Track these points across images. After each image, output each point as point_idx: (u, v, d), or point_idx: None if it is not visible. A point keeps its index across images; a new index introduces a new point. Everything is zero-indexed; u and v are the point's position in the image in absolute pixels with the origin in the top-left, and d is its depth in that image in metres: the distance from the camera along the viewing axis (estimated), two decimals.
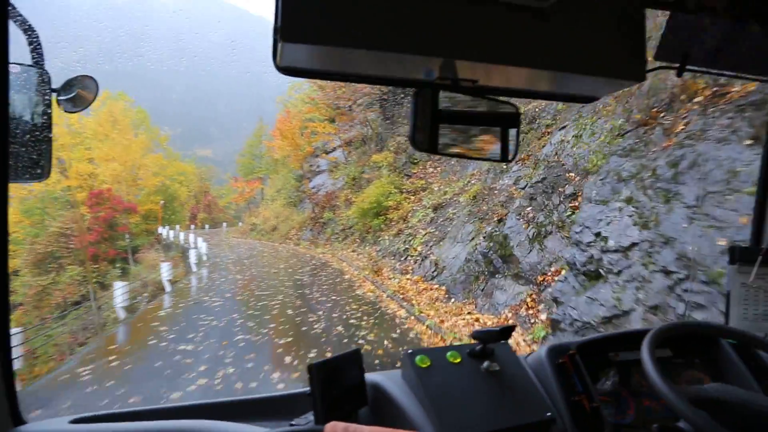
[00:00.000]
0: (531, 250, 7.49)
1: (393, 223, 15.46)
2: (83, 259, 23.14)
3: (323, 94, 24.13)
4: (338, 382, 1.13)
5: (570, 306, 5.23)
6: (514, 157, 1.03)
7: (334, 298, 10.74)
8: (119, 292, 10.79)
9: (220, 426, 1.02)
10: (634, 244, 4.69)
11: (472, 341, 1.32)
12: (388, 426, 0.59)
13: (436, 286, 10.09)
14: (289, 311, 9.63)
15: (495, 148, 1.03)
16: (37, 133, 0.95)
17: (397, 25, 0.79)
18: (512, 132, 1.03)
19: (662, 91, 5.79)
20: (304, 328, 8.11)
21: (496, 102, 0.99)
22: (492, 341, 1.29)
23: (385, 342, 7.06)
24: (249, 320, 9.04)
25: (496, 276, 8.04)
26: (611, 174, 5.48)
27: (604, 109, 6.97)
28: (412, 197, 16.01)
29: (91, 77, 1.10)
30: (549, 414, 1.21)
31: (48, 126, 0.97)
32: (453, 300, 9.02)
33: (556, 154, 8.46)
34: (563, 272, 6.34)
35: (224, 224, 53.19)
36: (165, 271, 14.45)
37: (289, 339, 7.46)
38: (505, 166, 10.39)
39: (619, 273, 4.76)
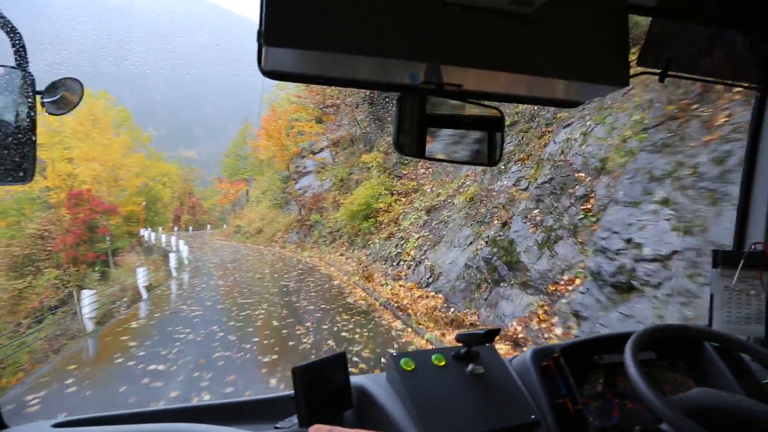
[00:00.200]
0: (540, 257, 6.87)
1: (383, 226, 15.04)
2: (61, 262, 22.64)
3: (310, 93, 23.55)
4: (323, 385, 1.13)
5: (599, 323, 4.57)
6: (499, 160, 1.07)
7: (323, 306, 9.99)
8: (87, 301, 9.74)
9: (204, 429, 0.99)
10: (675, 252, 4.05)
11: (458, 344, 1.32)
12: (372, 429, 0.68)
13: (432, 293, 9.49)
14: (275, 322, 8.84)
15: (481, 152, 1.06)
16: (20, 135, 0.93)
17: (382, 30, 0.79)
18: (497, 136, 1.06)
19: (691, 83, 5.21)
20: (291, 343, 7.32)
21: (480, 106, 1.01)
22: (476, 344, 1.28)
23: (383, 360, 6.32)
24: (230, 333, 8.20)
25: (501, 284, 7.39)
26: (641, 172, 4.85)
27: (627, 102, 6.34)
28: (404, 199, 15.65)
29: (75, 79, 1.08)
30: (533, 417, 1.20)
31: (32, 128, 0.95)
32: (453, 309, 8.36)
33: (563, 153, 7.92)
34: (580, 282, 5.72)
35: (209, 226, 52.25)
36: (141, 276, 13.46)
37: (275, 356, 6.68)
38: (503, 167, 10.05)
39: (658, 285, 4.12)
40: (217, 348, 7.17)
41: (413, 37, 0.80)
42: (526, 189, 8.73)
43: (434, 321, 7.77)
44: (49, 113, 1.04)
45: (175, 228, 46.75)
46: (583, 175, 7.04)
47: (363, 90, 20.88)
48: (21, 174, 0.94)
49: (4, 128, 0.92)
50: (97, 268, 23.44)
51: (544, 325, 6.00)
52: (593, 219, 6.33)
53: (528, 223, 7.43)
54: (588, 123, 7.65)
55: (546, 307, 6.31)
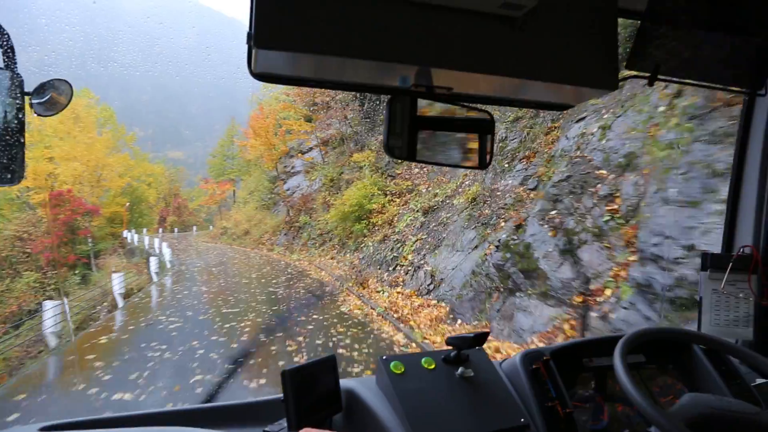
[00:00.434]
0: (562, 264, 6.11)
1: (377, 228, 14.39)
2: (41, 265, 21.75)
3: (299, 91, 22.73)
4: (312, 389, 1.11)
5: None
6: (489, 163, 1.04)
7: (315, 317, 9.14)
8: (50, 313, 8.67)
9: None
10: None
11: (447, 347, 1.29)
12: None
13: (435, 302, 8.73)
14: (262, 336, 7.98)
15: (472, 154, 1.04)
16: (9, 137, 0.91)
17: (372, 32, 0.79)
18: (488, 138, 1.03)
19: None
20: (281, 362, 6.45)
21: (471, 109, 1.00)
22: (466, 347, 1.25)
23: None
24: (212, 350, 7.28)
25: (517, 294, 6.61)
26: (698, 167, 4.09)
27: (666, 88, 5.59)
28: (398, 200, 15.04)
29: (65, 81, 1.05)
30: (523, 420, 1.17)
31: (20, 130, 0.92)
32: (460, 321, 7.59)
33: (579, 148, 7.21)
34: (611, 292, 4.98)
35: (194, 228, 51.34)
36: (117, 283, 12.37)
37: (262, 380, 5.79)
38: (506, 165, 9.57)
39: None
40: (196, 370, 6.25)
41: (403, 40, 0.80)
42: (535, 188, 8.05)
43: (441, 335, 6.97)
44: (38, 114, 1.02)
45: (160, 229, 45.68)
46: (605, 172, 6.37)
47: None
48: (9, 176, 0.92)
49: None
50: (77, 271, 22.61)
51: None
52: (621, 221, 5.64)
53: (546, 226, 6.68)
54: (606, 116, 6.97)
55: (572, 321, 5.56)
